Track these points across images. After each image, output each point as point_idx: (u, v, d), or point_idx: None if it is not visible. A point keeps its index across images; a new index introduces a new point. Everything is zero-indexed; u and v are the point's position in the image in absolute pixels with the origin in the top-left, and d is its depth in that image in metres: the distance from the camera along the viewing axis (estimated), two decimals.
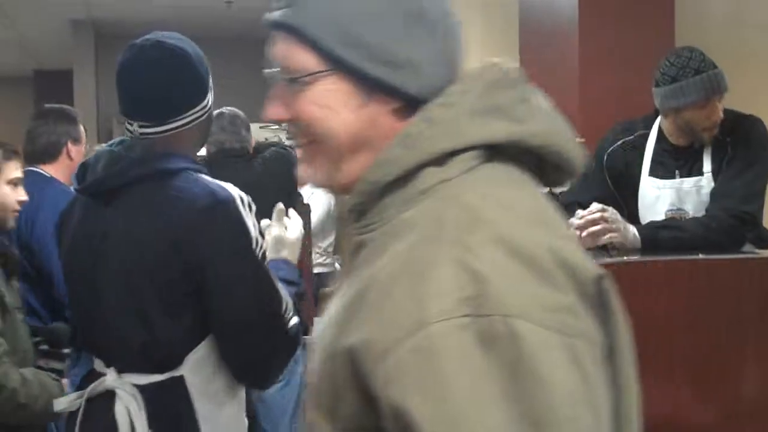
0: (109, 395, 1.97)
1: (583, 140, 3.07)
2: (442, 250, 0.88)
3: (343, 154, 1.01)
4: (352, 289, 0.96)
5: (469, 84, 1.00)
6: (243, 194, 2.00)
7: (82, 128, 3.48)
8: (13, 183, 2.73)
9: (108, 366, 2.01)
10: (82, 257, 2.06)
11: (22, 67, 10.83)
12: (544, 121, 1.01)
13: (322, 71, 0.99)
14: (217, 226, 1.92)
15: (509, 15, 4.53)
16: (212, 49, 9.18)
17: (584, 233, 2.55)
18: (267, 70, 1.05)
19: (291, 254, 2.19)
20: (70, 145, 3.42)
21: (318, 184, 1.06)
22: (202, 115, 2.07)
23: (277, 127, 9.72)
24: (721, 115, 2.76)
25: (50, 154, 3.35)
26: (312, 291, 6.67)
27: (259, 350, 1.98)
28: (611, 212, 2.59)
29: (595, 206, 2.61)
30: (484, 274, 0.85)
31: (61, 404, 2.07)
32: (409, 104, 0.99)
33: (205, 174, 2.03)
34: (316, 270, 6.97)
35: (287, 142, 9.55)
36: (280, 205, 2.21)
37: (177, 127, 2.01)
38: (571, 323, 0.87)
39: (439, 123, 0.97)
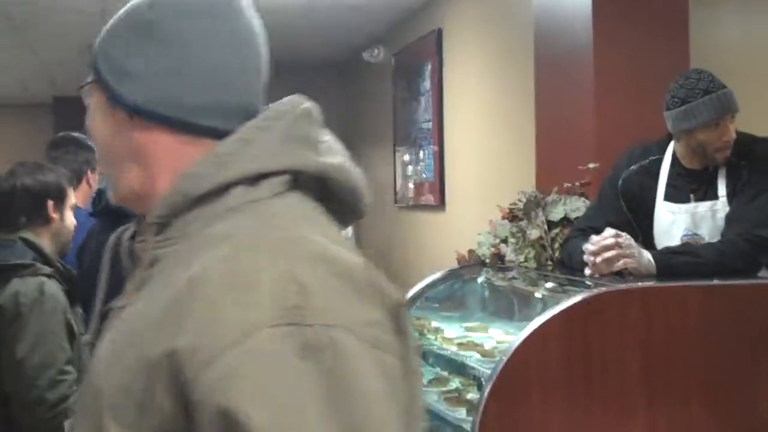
0: None
1: (597, 165, 3.08)
2: (267, 262, 0.93)
3: (109, 163, 1.10)
4: (153, 302, 0.97)
5: (282, 112, 1.07)
6: None
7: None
8: (71, 208, 2.79)
9: None
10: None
11: (42, 94, 10.91)
12: (342, 160, 1.08)
13: (89, 81, 1.11)
14: None
15: (524, 39, 4.54)
16: None
17: (599, 259, 2.55)
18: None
19: None
20: (89, 173, 3.48)
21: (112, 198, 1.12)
22: None
23: None
24: (734, 135, 2.76)
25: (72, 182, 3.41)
26: None
27: None
28: (625, 238, 2.59)
29: (609, 232, 2.61)
30: (308, 287, 0.90)
31: None
32: (186, 129, 1.05)
33: None
34: None
35: None
36: None
37: None
38: (381, 338, 0.93)
39: (254, 145, 1.02)
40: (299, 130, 1.05)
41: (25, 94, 10.98)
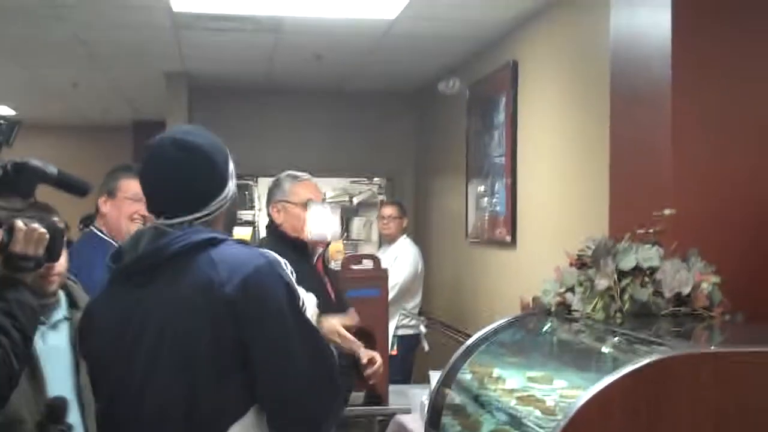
0: None
1: (674, 211, 2.87)
2: None
3: None
4: None
5: None
6: (280, 258, 2.05)
7: None
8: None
9: None
10: (119, 340, 2.04)
11: (123, 117, 11.10)
12: None
13: None
14: (268, 285, 1.96)
15: (600, 74, 4.37)
16: (303, 100, 9.25)
17: None
18: None
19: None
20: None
21: None
22: (223, 205, 2.11)
23: (367, 181, 9.73)
24: None
25: None
26: (400, 353, 6.56)
27: (314, 413, 1.98)
28: None
29: None
30: None
31: None
32: None
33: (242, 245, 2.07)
34: (400, 332, 6.86)
35: (379, 198, 9.51)
36: None
37: (198, 218, 2.07)
38: None
39: None
40: None
41: (107, 117, 11.19)
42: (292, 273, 2.03)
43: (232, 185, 2.14)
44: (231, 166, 2.15)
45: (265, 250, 2.04)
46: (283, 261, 2.03)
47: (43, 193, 2.38)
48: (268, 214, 3.99)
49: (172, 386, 1.95)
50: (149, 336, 1.99)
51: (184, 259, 2.00)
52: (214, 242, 2.02)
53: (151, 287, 2.02)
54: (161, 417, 1.95)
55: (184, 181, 2.06)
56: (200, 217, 2.06)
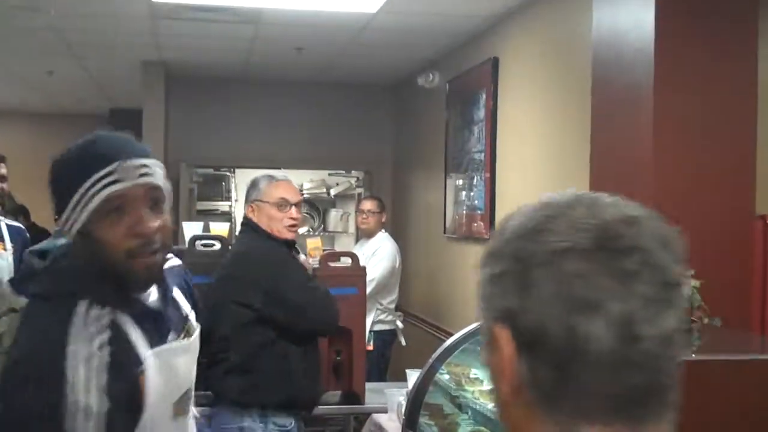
0: None
1: (659, 210, 2.87)
2: None
3: None
4: None
5: None
6: None
7: None
8: None
9: None
10: None
11: (99, 105, 11.01)
12: None
13: None
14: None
15: (581, 72, 4.36)
16: (282, 92, 9.19)
17: None
18: None
19: None
20: None
21: None
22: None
23: (345, 173, 9.69)
24: None
25: None
26: (376, 348, 6.53)
27: None
28: None
29: None
30: None
31: None
32: None
33: None
34: (376, 328, 6.83)
35: (356, 190, 9.47)
36: None
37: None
38: None
39: None
40: None
41: (85, 106, 11.10)
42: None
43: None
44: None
45: None
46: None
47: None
48: (244, 214, 4.17)
49: None
50: None
51: None
52: None
53: None
54: None
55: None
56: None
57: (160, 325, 1.87)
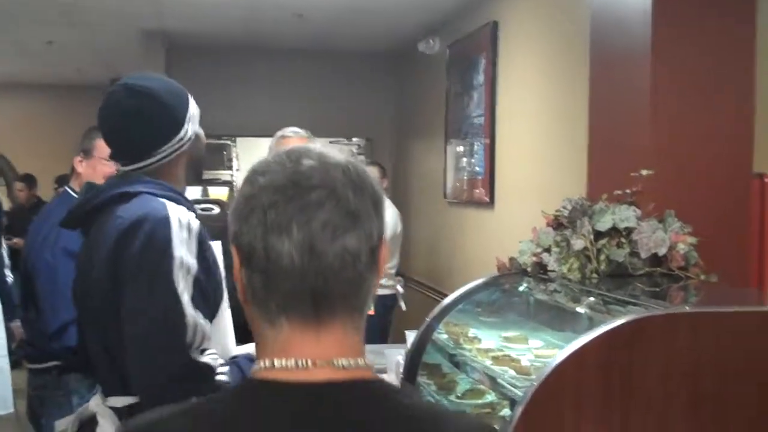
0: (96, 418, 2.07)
1: (651, 172, 2.87)
2: None
3: None
4: None
5: None
6: (187, 216, 2.01)
7: None
8: None
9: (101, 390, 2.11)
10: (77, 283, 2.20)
11: (99, 75, 10.97)
12: None
13: None
14: (134, 245, 1.95)
15: (580, 36, 4.35)
16: (283, 60, 9.12)
17: None
18: None
19: None
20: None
21: None
22: (180, 147, 2.15)
23: (346, 141, 9.68)
24: None
25: None
26: (377, 313, 6.56)
27: (151, 374, 1.94)
28: None
29: None
30: None
31: (60, 425, 2.20)
32: None
33: (171, 198, 2.05)
34: (378, 291, 6.84)
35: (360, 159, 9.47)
36: None
37: (152, 163, 2.12)
38: None
39: None
40: None
41: (82, 76, 11.06)
42: (189, 230, 2.00)
43: (190, 128, 2.16)
44: (191, 110, 2.17)
45: (172, 206, 2.02)
46: (179, 218, 1.99)
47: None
48: None
49: (99, 338, 2.07)
50: (89, 286, 2.08)
51: (100, 214, 2.09)
52: (125, 197, 2.06)
53: (87, 237, 2.14)
54: (100, 366, 2.09)
55: (131, 129, 2.11)
56: (152, 163, 2.12)
57: None
